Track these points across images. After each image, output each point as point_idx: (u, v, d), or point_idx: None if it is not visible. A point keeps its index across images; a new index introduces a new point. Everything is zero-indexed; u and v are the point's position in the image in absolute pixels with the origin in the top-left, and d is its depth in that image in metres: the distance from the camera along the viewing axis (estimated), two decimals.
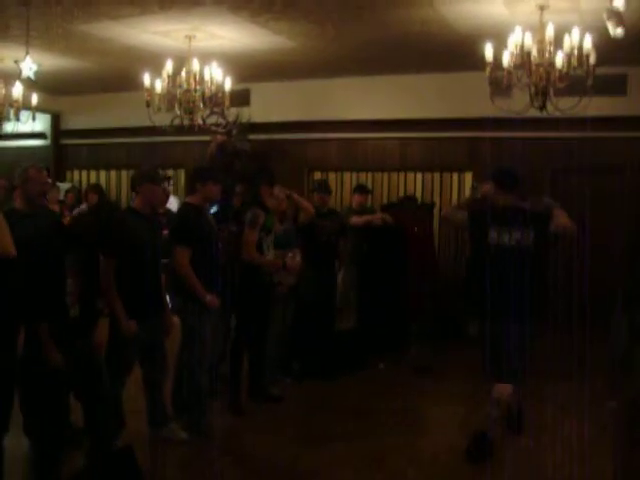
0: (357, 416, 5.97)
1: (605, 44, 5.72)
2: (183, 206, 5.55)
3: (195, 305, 5.14)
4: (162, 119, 7.65)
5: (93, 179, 12.07)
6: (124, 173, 11.66)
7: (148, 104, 7.34)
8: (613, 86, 8.49)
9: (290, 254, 6.20)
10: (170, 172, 11.07)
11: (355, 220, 7.75)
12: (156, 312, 5.01)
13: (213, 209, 6.10)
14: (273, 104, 10.26)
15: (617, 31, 5.43)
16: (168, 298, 5.40)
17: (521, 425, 5.62)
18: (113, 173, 12.04)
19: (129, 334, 4.70)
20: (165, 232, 5.48)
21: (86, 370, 4.35)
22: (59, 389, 4.24)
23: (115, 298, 4.65)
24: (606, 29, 5.46)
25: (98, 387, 4.43)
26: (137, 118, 8.87)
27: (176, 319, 5.33)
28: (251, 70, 9.22)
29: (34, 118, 7.54)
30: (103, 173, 12.15)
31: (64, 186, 10.77)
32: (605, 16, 5.38)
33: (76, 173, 12.36)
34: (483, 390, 5.75)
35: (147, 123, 7.62)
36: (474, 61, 6.27)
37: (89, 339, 4.45)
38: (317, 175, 10.47)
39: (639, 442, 4.60)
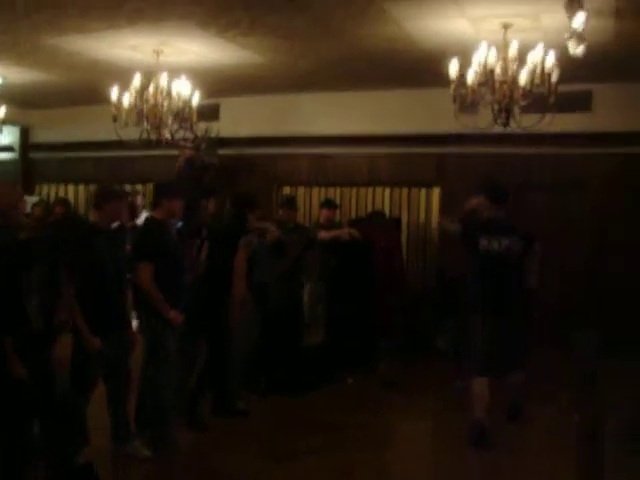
0: (324, 431, 5.96)
1: (570, 61, 5.80)
2: (146, 221, 5.52)
3: (158, 321, 5.11)
4: (130, 133, 7.63)
5: (62, 193, 11.96)
6: (92, 187, 11.57)
7: (115, 119, 7.32)
8: (578, 102, 8.60)
9: None
10: (139, 187, 11.03)
11: (323, 235, 7.76)
12: (119, 328, 4.98)
13: (178, 224, 6.07)
14: (242, 119, 10.26)
15: (578, 50, 5.53)
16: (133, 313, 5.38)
17: (520, 415, 5.93)
18: (81, 187, 11.94)
19: (93, 350, 4.67)
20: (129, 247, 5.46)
21: (46, 384, 4.30)
22: (23, 403, 4.18)
23: (78, 314, 4.62)
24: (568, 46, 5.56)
25: (58, 402, 4.38)
26: (105, 132, 8.79)
27: (139, 335, 5.30)
28: (220, 85, 9.22)
29: (1, 131, 7.49)
30: (72, 187, 12.06)
31: (32, 200, 10.66)
32: (566, 35, 5.47)
33: (45, 187, 12.25)
34: (452, 404, 5.84)
35: (115, 137, 7.60)
36: (440, 77, 6.34)
37: (50, 353, 4.40)
38: (286, 190, 10.48)
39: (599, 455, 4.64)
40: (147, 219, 5.52)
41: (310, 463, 5.22)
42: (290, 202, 7.61)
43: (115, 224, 5.31)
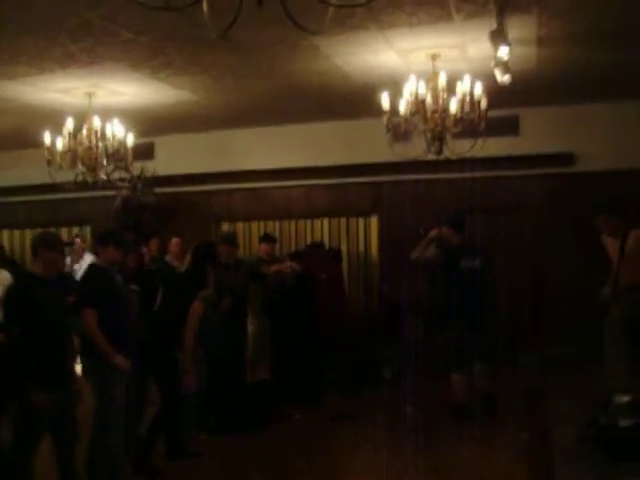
0: (276, 470, 5.91)
1: (497, 87, 5.99)
2: (89, 268, 5.47)
3: (105, 367, 5.04)
4: (65, 176, 7.55)
5: None
6: (28, 232, 11.36)
7: (49, 162, 7.24)
8: (506, 127, 8.85)
9: None
10: (76, 229, 10.87)
11: (264, 270, 7.76)
12: (64, 380, 4.87)
13: None
14: (178, 156, 10.25)
15: (504, 78, 5.72)
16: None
17: (494, 407, 6.96)
18: (17, 232, 11.71)
19: (42, 405, 4.56)
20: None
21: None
22: None
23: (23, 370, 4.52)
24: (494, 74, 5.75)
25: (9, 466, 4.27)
26: (39, 176, 8.69)
27: (86, 383, 5.21)
28: (154, 124, 9.21)
29: None
30: (6, 232, 11.81)
31: None
32: (492, 64, 5.65)
33: None
34: (403, 431, 5.92)
35: (48, 180, 7.50)
36: (373, 108, 6.45)
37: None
38: (225, 226, 10.47)
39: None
40: (90, 265, 5.47)
41: None
42: (230, 238, 7.58)
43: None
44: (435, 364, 7.40)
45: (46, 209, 10.88)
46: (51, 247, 4.85)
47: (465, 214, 7.58)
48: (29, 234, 11.22)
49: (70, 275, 7.82)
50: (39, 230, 10.38)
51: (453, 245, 7.32)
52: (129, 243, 5.85)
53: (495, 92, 6.18)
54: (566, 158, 8.92)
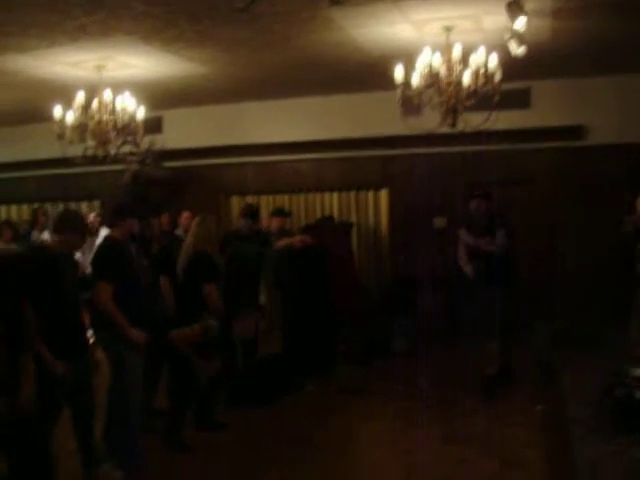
0: (293, 441, 5.94)
1: (508, 60, 5.95)
2: (104, 241, 5.45)
3: (120, 340, 5.06)
4: (74, 150, 7.53)
5: (4, 214, 11.72)
6: (36, 206, 11.35)
7: (60, 136, 7.21)
8: (517, 100, 8.79)
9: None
10: (84, 204, 10.88)
11: (276, 244, 7.76)
12: (79, 351, 4.90)
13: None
14: (187, 130, 10.23)
15: (519, 50, 5.67)
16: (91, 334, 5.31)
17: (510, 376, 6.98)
18: (25, 207, 11.72)
19: (58, 375, 4.59)
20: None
21: (19, 421, 4.20)
22: None
23: (40, 341, 4.53)
24: (509, 46, 5.70)
25: (29, 437, 4.29)
26: (48, 150, 8.69)
27: (102, 355, 5.24)
28: (163, 97, 9.17)
29: None
30: (14, 208, 11.82)
31: None
32: (507, 36, 5.61)
33: None
34: (416, 403, 5.96)
35: (58, 155, 7.49)
36: (386, 81, 6.40)
37: (20, 389, 4.29)
38: (234, 199, 10.47)
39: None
40: (106, 239, 5.45)
41: (281, 474, 5.23)
42: (252, 212, 7.54)
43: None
44: (451, 335, 7.47)
45: (56, 184, 10.89)
46: (76, 229, 4.85)
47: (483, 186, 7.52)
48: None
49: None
50: (49, 205, 10.50)
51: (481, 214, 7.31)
52: (145, 214, 5.86)
53: (507, 65, 6.13)
54: (577, 131, 8.88)
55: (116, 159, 7.84)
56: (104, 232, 8.72)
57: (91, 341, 5.30)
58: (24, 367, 4.27)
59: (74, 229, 4.84)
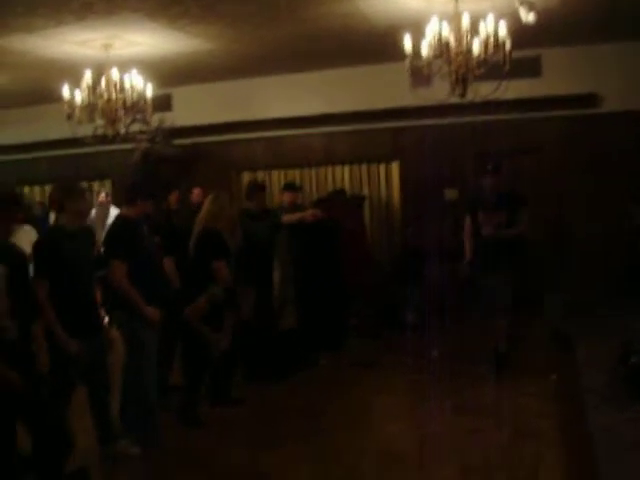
0: (307, 415, 5.97)
1: (518, 27, 5.88)
2: (117, 219, 5.45)
3: (135, 318, 5.08)
4: (85, 130, 7.54)
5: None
6: (48, 188, 11.40)
7: (69, 116, 7.22)
8: (528, 68, 8.70)
9: None
10: (96, 184, 10.90)
11: (287, 218, 7.74)
12: (93, 329, 4.93)
13: None
14: (196, 107, 10.20)
15: (529, 17, 5.61)
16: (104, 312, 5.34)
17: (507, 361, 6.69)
18: (37, 189, 11.77)
19: (71, 353, 4.62)
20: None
21: (34, 394, 4.24)
22: (7, 417, 4.12)
23: (54, 319, 4.57)
24: (518, 14, 5.63)
25: (46, 411, 4.33)
26: (58, 131, 8.71)
27: (117, 333, 5.27)
28: (171, 75, 9.15)
29: None
30: (26, 189, 11.87)
31: None
32: (517, 3, 5.54)
33: None
34: (429, 375, 5.98)
35: (68, 135, 7.50)
36: (394, 52, 6.35)
37: (33, 363, 4.33)
38: (245, 175, 10.45)
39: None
40: (119, 217, 5.45)
41: (297, 448, 5.24)
42: (261, 187, 7.54)
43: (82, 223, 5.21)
44: (459, 309, 7.44)
45: (65, 164, 10.90)
46: (74, 195, 4.85)
47: (496, 159, 7.26)
48: (49, 190, 11.26)
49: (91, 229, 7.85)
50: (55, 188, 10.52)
51: (485, 189, 7.00)
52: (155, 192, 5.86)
53: (517, 33, 6.05)
54: (589, 99, 8.79)
55: (126, 138, 7.86)
56: (114, 211, 8.81)
57: (105, 320, 5.34)
58: (36, 338, 4.31)
59: (76, 199, 4.84)
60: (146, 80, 7.44)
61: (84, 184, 10.11)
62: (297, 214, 7.91)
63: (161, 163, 9.82)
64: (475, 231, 6.93)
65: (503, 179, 6.94)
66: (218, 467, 4.95)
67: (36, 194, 11.76)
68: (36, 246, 4.78)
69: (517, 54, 6.23)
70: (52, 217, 8.69)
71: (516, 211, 6.75)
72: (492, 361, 6.65)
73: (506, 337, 6.73)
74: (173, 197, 7.61)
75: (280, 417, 6.02)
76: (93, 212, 8.94)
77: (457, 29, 6.03)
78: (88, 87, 7.22)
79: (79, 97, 7.22)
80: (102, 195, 9.20)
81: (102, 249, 5.42)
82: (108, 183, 11.03)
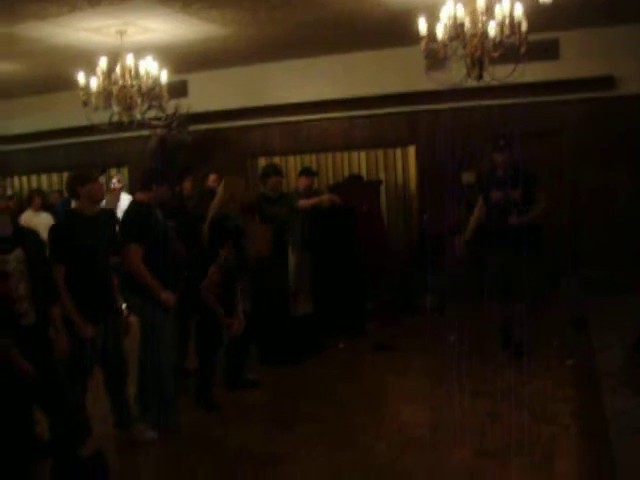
0: (323, 398, 6.01)
1: (536, 9, 5.81)
2: (133, 204, 5.47)
3: (151, 302, 5.11)
4: (100, 117, 7.56)
5: (35, 184, 11.84)
6: (66, 175, 11.45)
7: (85, 103, 7.24)
8: (545, 51, 8.61)
9: None
10: (113, 171, 10.93)
11: (303, 203, 7.74)
12: (109, 313, 4.96)
13: None
14: (212, 93, 10.19)
15: None
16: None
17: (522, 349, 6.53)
18: (55, 176, 11.82)
19: (86, 337, 4.66)
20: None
21: (52, 379, 4.27)
22: (23, 400, 4.16)
23: (70, 303, 4.60)
24: None
25: (64, 395, 4.37)
26: (74, 118, 8.76)
27: (133, 318, 5.30)
28: (186, 61, 9.14)
29: None
30: (44, 177, 11.94)
31: None
32: None
33: (16, 179, 12.10)
34: (446, 359, 5.98)
35: (84, 122, 7.52)
36: (409, 36, 6.31)
37: (51, 347, 4.36)
38: (262, 160, 10.44)
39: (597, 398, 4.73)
40: (134, 202, 5.47)
41: (312, 430, 5.27)
42: (276, 169, 7.53)
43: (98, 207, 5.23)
44: (474, 293, 7.40)
45: (82, 151, 10.96)
46: (85, 180, 4.87)
47: (507, 136, 7.17)
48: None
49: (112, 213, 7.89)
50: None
51: (496, 167, 6.90)
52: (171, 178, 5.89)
53: (534, 15, 5.98)
54: (607, 81, 8.69)
55: (142, 124, 7.86)
56: (125, 197, 8.85)
57: (123, 304, 5.37)
58: (55, 322, 4.34)
59: (86, 182, 4.86)
60: (161, 66, 7.44)
61: (97, 170, 10.16)
62: (313, 199, 7.91)
63: (177, 149, 9.84)
64: (487, 211, 6.91)
65: (515, 155, 6.87)
66: (233, 450, 4.98)
67: (54, 182, 11.81)
68: (51, 231, 4.82)
69: (536, 37, 6.18)
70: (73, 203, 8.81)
71: (530, 189, 6.68)
72: (505, 346, 6.70)
73: (520, 321, 6.65)
74: (187, 183, 7.63)
75: (295, 399, 6.05)
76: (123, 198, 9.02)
77: (472, 11, 5.97)
78: (103, 74, 7.24)
79: (94, 84, 7.24)
80: (114, 180, 9.22)
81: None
82: (125, 170, 11.06)
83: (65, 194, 10.03)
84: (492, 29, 5.87)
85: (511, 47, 5.90)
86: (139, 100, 7.46)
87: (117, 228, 5.49)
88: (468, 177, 9.20)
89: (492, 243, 6.72)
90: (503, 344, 6.79)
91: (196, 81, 10.34)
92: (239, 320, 5.92)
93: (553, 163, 8.84)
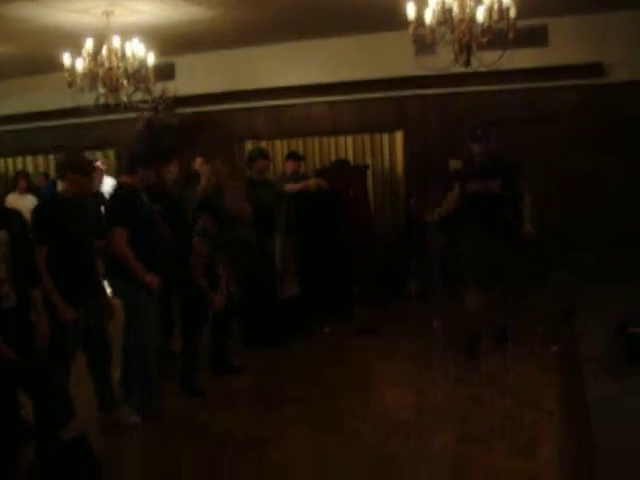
0: (309, 381, 6.02)
1: None
2: (119, 187, 5.44)
3: (135, 286, 5.09)
4: (87, 99, 7.50)
5: (21, 166, 11.76)
6: (52, 157, 11.39)
7: (70, 85, 7.19)
8: (535, 37, 8.60)
9: None
10: (97, 154, 10.86)
11: (290, 187, 7.73)
12: (92, 296, 4.94)
13: None
14: (198, 76, 10.12)
15: None
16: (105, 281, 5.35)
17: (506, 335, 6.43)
18: (40, 158, 11.74)
19: (67, 320, 4.64)
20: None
21: (33, 362, 4.25)
22: (7, 385, 4.13)
23: (51, 286, 4.58)
24: None
25: (46, 379, 4.35)
26: (60, 100, 8.69)
27: (117, 301, 5.28)
28: (173, 43, 9.07)
29: None
30: (29, 159, 11.85)
31: None
32: None
33: (1, 161, 12.02)
34: (430, 344, 6.00)
35: (70, 104, 7.47)
36: (397, 20, 6.26)
37: (32, 330, 4.33)
38: (248, 144, 10.40)
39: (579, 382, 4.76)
40: (120, 185, 5.43)
41: (299, 413, 5.28)
42: (262, 152, 7.54)
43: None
44: (458, 278, 7.41)
45: (68, 134, 10.86)
46: (77, 169, 4.86)
47: (486, 125, 7.08)
48: (53, 160, 11.26)
49: (102, 195, 7.85)
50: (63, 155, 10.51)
51: (474, 156, 6.64)
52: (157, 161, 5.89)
53: (523, 1, 5.96)
54: (596, 68, 8.69)
55: (129, 107, 7.81)
56: (109, 180, 8.81)
57: (107, 287, 5.35)
58: (36, 305, 4.32)
59: (78, 171, 4.85)
60: (148, 48, 7.39)
61: (90, 154, 10.10)
62: (300, 183, 7.91)
63: (164, 132, 9.77)
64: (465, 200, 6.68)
65: (493, 145, 6.66)
66: (218, 434, 4.98)
67: (40, 164, 11.73)
68: (35, 212, 4.79)
69: (525, 23, 6.16)
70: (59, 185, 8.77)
71: (512, 180, 6.51)
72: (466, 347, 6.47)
73: (503, 307, 6.59)
74: (173, 166, 7.57)
75: (281, 382, 6.07)
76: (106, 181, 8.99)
77: None
78: (89, 55, 7.18)
79: (80, 65, 7.18)
80: (99, 163, 9.18)
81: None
82: (111, 152, 10.99)
83: (52, 176, 10.01)
84: (480, 14, 5.86)
85: (499, 33, 5.89)
86: (125, 82, 7.41)
87: (102, 210, 5.48)
88: (455, 163, 9.18)
89: (467, 224, 6.61)
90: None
91: (183, 64, 10.28)
92: (222, 295, 5.92)
93: (543, 149, 8.84)
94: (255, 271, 6.92)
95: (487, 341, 6.51)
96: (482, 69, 6.20)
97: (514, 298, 6.57)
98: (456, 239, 6.80)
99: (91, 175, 5.10)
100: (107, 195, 7.12)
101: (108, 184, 8.89)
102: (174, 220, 6.18)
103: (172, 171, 6.42)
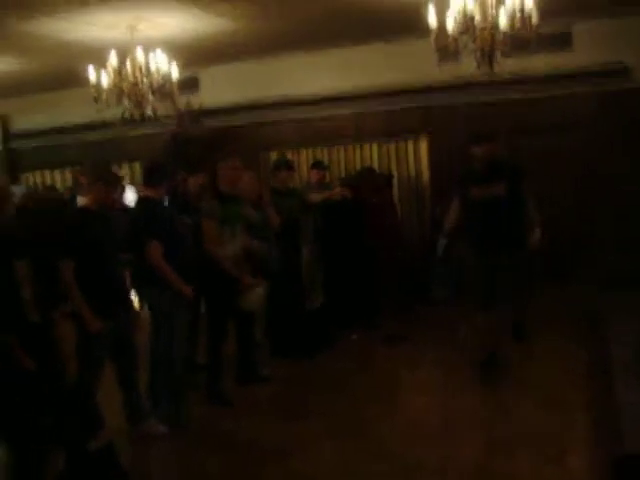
0: (336, 390, 6.04)
1: (548, 1, 5.76)
2: (146, 201, 5.42)
3: (170, 295, 5.13)
4: (112, 113, 7.57)
5: (48, 180, 11.90)
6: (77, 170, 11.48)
7: (96, 100, 7.26)
8: (559, 43, 8.53)
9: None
10: (125, 167, 10.95)
11: (313, 197, 7.75)
12: (120, 308, 4.99)
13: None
14: (223, 88, 10.17)
15: None
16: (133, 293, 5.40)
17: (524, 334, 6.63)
18: (67, 173, 11.86)
19: (95, 332, 4.68)
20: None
21: (53, 373, 4.28)
22: (33, 395, 4.17)
23: (80, 298, 4.62)
24: None
25: (67, 389, 4.39)
26: (86, 114, 8.78)
27: (144, 312, 5.33)
28: (197, 56, 9.13)
29: None
30: (57, 173, 11.98)
31: (19, 189, 10.58)
32: None
33: (30, 175, 12.15)
34: (458, 351, 5.96)
35: (96, 119, 7.53)
36: (421, 27, 6.25)
37: (54, 342, 4.37)
38: (273, 154, 10.43)
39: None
40: (145, 199, 5.44)
41: (325, 422, 5.30)
42: (286, 163, 7.58)
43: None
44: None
45: (95, 148, 10.95)
46: (104, 182, 4.92)
47: (488, 131, 6.94)
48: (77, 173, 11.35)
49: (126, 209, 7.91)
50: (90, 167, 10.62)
51: (478, 161, 6.55)
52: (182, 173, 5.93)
53: (547, 5, 5.93)
54: (620, 72, 8.60)
55: (153, 120, 7.87)
56: (128, 193, 8.88)
57: (134, 299, 5.40)
58: (58, 328, 4.36)
59: (102, 182, 4.91)
60: (171, 62, 7.44)
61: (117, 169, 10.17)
62: (324, 192, 7.92)
63: (190, 144, 9.84)
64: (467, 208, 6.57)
65: (497, 148, 6.55)
66: (244, 444, 5.00)
67: (67, 179, 11.84)
68: (63, 225, 4.85)
69: (548, 28, 6.10)
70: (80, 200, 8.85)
71: (517, 185, 6.41)
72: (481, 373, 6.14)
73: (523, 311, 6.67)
74: (197, 179, 7.62)
75: (307, 393, 6.09)
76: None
77: (482, 3, 5.92)
78: (114, 70, 7.24)
79: (105, 80, 7.25)
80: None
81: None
82: (137, 166, 11.08)
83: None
84: (502, 22, 5.84)
85: (523, 39, 5.86)
86: (150, 96, 7.47)
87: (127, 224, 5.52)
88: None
89: (469, 239, 6.53)
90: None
91: (207, 76, 10.33)
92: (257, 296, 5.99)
93: (570, 154, 8.75)
94: (282, 282, 6.92)
95: (512, 348, 6.47)
96: (505, 76, 6.16)
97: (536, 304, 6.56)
98: (462, 255, 6.76)
99: (115, 187, 5.16)
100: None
101: (130, 197, 8.94)
102: (199, 231, 6.23)
103: (195, 183, 6.49)
